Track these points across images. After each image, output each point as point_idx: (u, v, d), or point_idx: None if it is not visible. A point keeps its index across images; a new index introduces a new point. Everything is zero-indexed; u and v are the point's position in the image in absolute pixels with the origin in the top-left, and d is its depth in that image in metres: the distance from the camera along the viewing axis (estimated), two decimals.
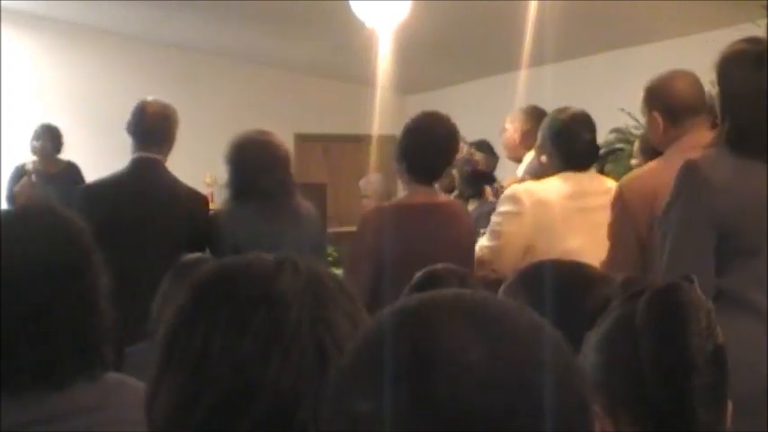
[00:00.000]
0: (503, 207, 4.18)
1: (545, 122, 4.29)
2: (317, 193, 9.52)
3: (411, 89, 11.22)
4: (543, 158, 4.27)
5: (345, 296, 1.25)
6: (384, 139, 9.87)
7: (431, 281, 2.49)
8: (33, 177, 8.06)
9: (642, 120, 6.26)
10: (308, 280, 1.23)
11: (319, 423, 0.89)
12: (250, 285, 1.22)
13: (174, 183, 4.57)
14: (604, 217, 3.82)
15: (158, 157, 4.57)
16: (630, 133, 6.76)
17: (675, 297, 1.49)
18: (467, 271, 2.59)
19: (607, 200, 3.93)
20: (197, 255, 3.44)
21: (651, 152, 5.49)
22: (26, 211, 1.99)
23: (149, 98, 4.75)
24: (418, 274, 2.58)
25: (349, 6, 7.20)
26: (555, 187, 4.12)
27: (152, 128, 4.57)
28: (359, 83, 10.06)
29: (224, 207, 4.34)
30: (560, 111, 4.27)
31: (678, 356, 1.46)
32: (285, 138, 11.99)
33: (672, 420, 1.46)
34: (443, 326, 0.86)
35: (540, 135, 4.30)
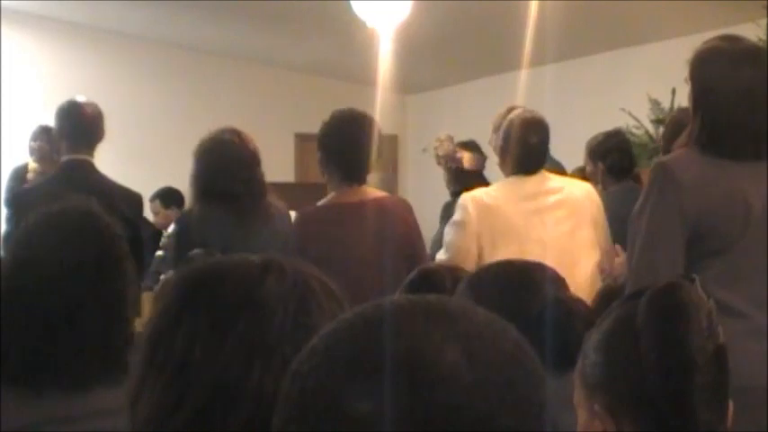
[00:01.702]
0: (453, 217, 4.20)
1: (501, 127, 4.33)
2: (318, 192, 9.50)
3: (411, 89, 11.22)
4: (498, 162, 4.33)
5: (332, 299, 1.23)
6: (384, 139, 9.85)
7: (425, 279, 2.49)
8: (38, 168, 8.06)
9: (643, 120, 6.25)
10: (294, 284, 1.22)
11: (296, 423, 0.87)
12: (234, 288, 1.21)
13: (109, 184, 4.53)
14: (557, 215, 3.89)
15: (89, 158, 4.53)
16: (631, 133, 6.76)
17: (676, 297, 1.49)
18: (460, 269, 2.59)
19: (559, 198, 3.97)
20: (200, 252, 3.43)
21: (597, 157, 5.51)
22: (64, 213, 1.99)
23: (79, 98, 4.70)
24: (412, 273, 2.58)
25: (350, 6, 7.20)
26: (503, 192, 4.14)
27: (90, 129, 4.54)
28: (359, 82, 10.05)
29: (192, 207, 4.28)
30: (514, 114, 4.28)
31: (679, 356, 1.46)
32: (285, 137, 12.01)
33: (672, 420, 1.46)
34: (418, 330, 0.85)
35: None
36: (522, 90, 7.19)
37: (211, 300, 1.20)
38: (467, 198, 4.17)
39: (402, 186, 10.94)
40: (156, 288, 3.10)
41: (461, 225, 4.10)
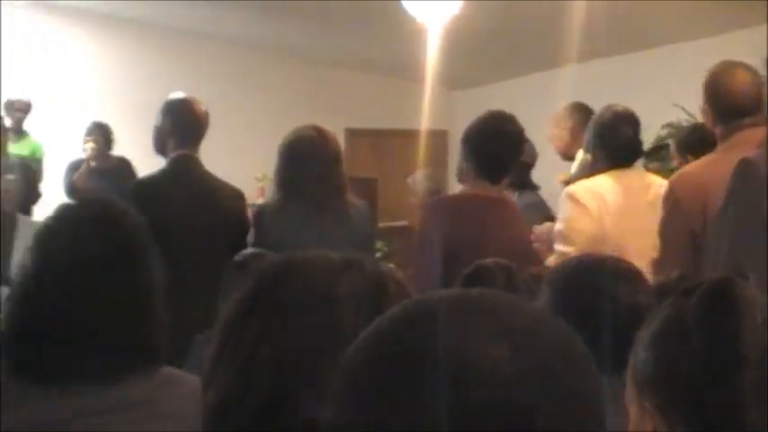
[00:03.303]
0: (567, 209, 4.12)
1: (590, 121, 4.29)
2: (368, 187, 9.53)
3: (461, 85, 11.19)
4: (588, 157, 4.27)
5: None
6: (433, 135, 9.85)
7: (479, 275, 2.49)
8: (92, 163, 8.18)
9: (696, 114, 6.20)
10: (370, 283, 1.22)
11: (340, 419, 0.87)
12: (310, 283, 1.21)
13: (215, 180, 4.57)
14: (651, 214, 3.81)
15: (195, 154, 4.56)
16: (683, 128, 6.71)
17: (729, 293, 1.48)
18: (514, 266, 2.59)
19: (652, 196, 3.90)
20: (257, 250, 3.45)
21: (686, 150, 5.47)
22: (84, 206, 2.01)
23: (182, 94, 4.72)
24: (467, 269, 2.58)
25: (399, 2, 7.20)
26: (605, 185, 4.10)
27: (199, 125, 4.56)
28: (409, 79, 10.05)
29: (270, 203, 4.31)
30: (604, 108, 4.26)
31: (731, 353, 1.45)
32: (336, 133, 12.00)
33: (722, 418, 1.45)
34: (464, 326, 0.85)
35: (585, 134, 4.30)
36: (571, 86, 7.15)
37: (286, 293, 1.20)
38: (577, 190, 4.12)
39: (452, 182, 10.92)
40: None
41: (582, 214, 4.04)
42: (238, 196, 4.61)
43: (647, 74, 8.65)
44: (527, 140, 6.41)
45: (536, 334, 0.86)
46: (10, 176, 8.08)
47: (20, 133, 8.81)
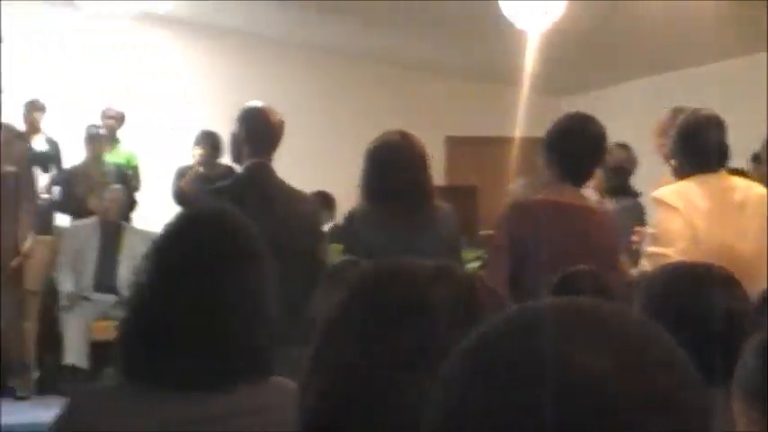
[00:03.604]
0: (657, 212, 4.12)
1: (676, 126, 4.24)
2: (468, 195, 9.52)
3: (562, 91, 11.10)
4: (673, 162, 4.21)
5: (499, 311, 1.22)
6: (535, 142, 9.78)
7: (569, 283, 2.47)
8: (200, 170, 8.32)
9: None
10: (463, 291, 1.21)
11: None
12: (404, 291, 1.21)
13: (289, 188, 4.59)
14: (741, 216, 3.80)
15: (269, 162, 4.59)
16: None
17: None
18: (606, 274, 2.55)
19: (740, 199, 3.87)
20: (351, 257, 3.47)
21: None
22: (201, 214, 2.04)
23: (258, 103, 4.76)
24: (557, 276, 2.55)
25: (499, 8, 7.17)
26: (692, 189, 4.06)
27: (273, 134, 4.59)
28: (509, 85, 10.01)
29: (357, 209, 4.32)
30: (690, 113, 4.20)
31: None
32: (436, 141, 12.03)
33: None
34: (569, 337, 0.84)
35: (670, 140, 4.25)
36: (679, 91, 7.04)
37: (381, 300, 1.21)
38: (666, 193, 4.08)
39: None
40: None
41: (673, 217, 4.00)
42: (311, 203, 4.63)
43: (758, 78, 8.45)
44: (627, 146, 6.35)
45: (640, 346, 0.85)
46: (115, 186, 8.28)
47: (113, 141, 8.98)
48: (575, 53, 9.14)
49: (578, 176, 4.01)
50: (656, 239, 4.04)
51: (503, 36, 7.86)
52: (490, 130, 11.06)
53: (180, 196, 8.20)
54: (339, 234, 5.01)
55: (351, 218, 4.32)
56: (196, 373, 1.82)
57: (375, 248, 3.82)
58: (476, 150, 11.43)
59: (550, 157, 4.02)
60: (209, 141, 8.50)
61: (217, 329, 1.84)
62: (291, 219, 4.40)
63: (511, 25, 7.29)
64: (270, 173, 4.55)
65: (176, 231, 1.96)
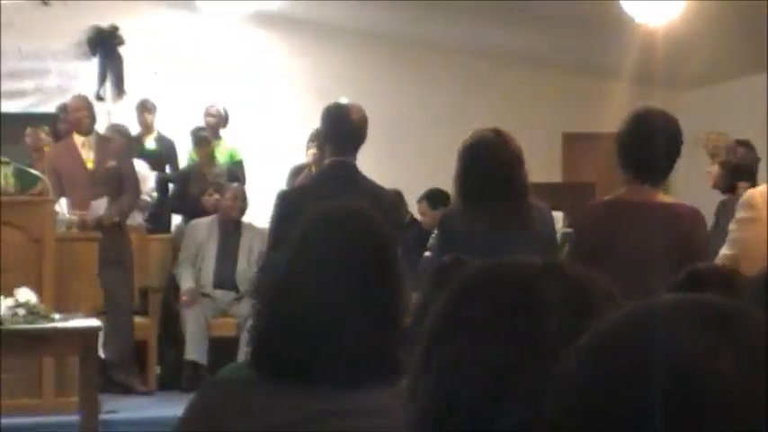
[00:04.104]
0: (739, 213, 4.05)
1: None
2: (586, 192, 9.42)
3: (682, 86, 10.89)
4: None
5: (612, 305, 1.20)
6: None
7: (692, 281, 2.40)
8: (314, 169, 8.39)
9: None
10: (573, 287, 1.20)
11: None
12: (514, 289, 1.20)
13: (371, 185, 4.59)
14: None
15: (353, 160, 4.58)
16: None
17: None
18: (733, 271, 2.47)
19: None
20: (457, 256, 3.44)
21: None
22: (339, 213, 2.05)
23: (344, 100, 4.76)
24: (680, 275, 2.49)
25: (619, 3, 7.06)
26: None
27: (354, 131, 4.58)
28: (628, 80, 9.85)
29: (453, 207, 4.30)
30: None
31: None
32: (553, 137, 11.93)
33: None
34: (687, 330, 0.84)
35: None
36: None
37: (490, 299, 1.20)
38: (755, 194, 3.99)
39: (672, 184, 10.63)
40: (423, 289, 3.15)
41: (751, 221, 3.95)
42: (393, 200, 4.62)
43: None
44: (748, 143, 6.18)
45: (763, 345, 0.84)
46: (234, 184, 8.40)
47: (215, 138, 9.10)
48: (692, 47, 8.96)
49: (652, 174, 3.91)
50: (728, 241, 4.01)
51: (620, 30, 7.74)
52: (608, 125, 10.91)
53: None
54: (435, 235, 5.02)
55: (446, 216, 4.31)
56: (328, 370, 1.83)
57: (471, 248, 3.79)
58: (593, 146, 11.29)
59: (622, 155, 3.94)
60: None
61: (351, 328, 1.85)
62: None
63: (630, 20, 7.18)
64: (350, 170, 4.55)
65: (315, 229, 1.98)
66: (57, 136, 8.57)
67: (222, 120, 9.29)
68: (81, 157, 7.40)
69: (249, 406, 1.83)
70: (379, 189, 4.62)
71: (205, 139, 8.77)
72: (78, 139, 7.47)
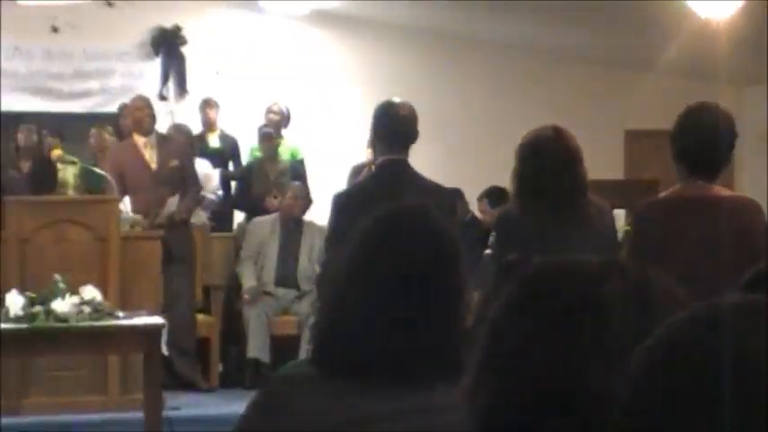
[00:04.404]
0: None
1: None
2: (650, 189, 9.33)
3: (748, 81, 10.75)
4: None
5: (675, 303, 1.19)
6: None
7: (760, 280, 2.36)
8: (372, 168, 8.39)
9: None
10: (636, 286, 1.19)
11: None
12: (576, 289, 1.20)
13: (424, 182, 4.57)
14: None
15: (404, 158, 4.56)
16: None
17: None
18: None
19: None
20: (520, 255, 3.42)
21: None
22: (402, 212, 2.05)
23: (395, 99, 4.74)
24: (749, 273, 2.45)
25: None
26: None
27: (403, 130, 4.57)
28: (692, 77, 9.75)
29: (510, 206, 4.28)
30: None
31: None
32: (615, 135, 11.84)
33: None
34: (753, 331, 0.84)
35: None
36: None
37: (552, 299, 1.19)
38: None
39: (738, 181, 10.50)
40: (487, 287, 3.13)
41: None
42: (449, 196, 4.61)
43: None
44: None
45: None
46: (296, 183, 8.44)
47: (278, 136, 9.15)
48: (756, 42, 8.83)
49: (707, 168, 3.89)
50: None
51: (685, 27, 7.65)
52: (671, 122, 10.81)
53: None
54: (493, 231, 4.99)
55: (504, 214, 4.29)
56: (388, 368, 1.83)
57: (529, 247, 3.76)
58: (657, 144, 11.19)
59: (677, 150, 3.92)
60: None
61: (411, 327, 1.85)
62: None
63: (693, 15, 7.09)
64: (402, 168, 4.54)
65: (375, 228, 1.98)
66: (120, 136, 8.69)
67: (284, 118, 9.32)
68: (143, 156, 7.48)
69: (309, 404, 1.84)
70: (436, 187, 4.61)
71: (269, 134, 8.83)
72: (139, 139, 7.55)
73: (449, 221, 2.01)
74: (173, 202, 7.35)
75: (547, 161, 4.06)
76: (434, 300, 1.87)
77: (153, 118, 7.63)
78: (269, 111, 9.30)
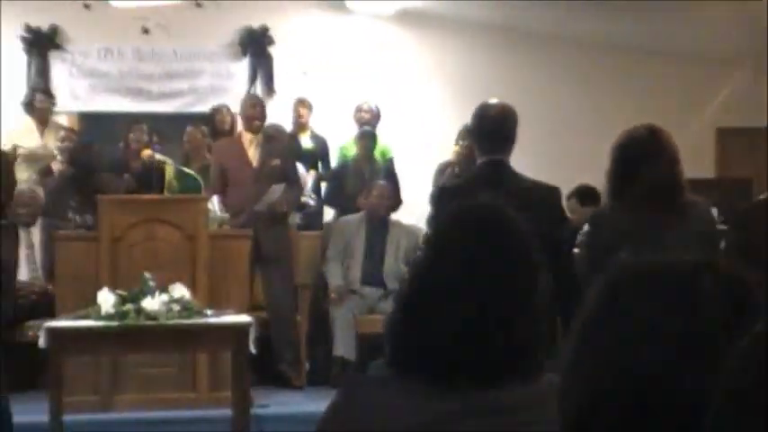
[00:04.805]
0: None
1: None
2: (742, 188, 9.16)
3: None
4: None
5: None
6: None
7: None
8: (456, 169, 8.38)
9: None
10: (729, 286, 1.17)
11: None
12: (669, 287, 1.18)
13: (524, 182, 4.53)
14: None
15: (504, 158, 4.53)
16: None
17: None
18: None
19: None
20: (628, 257, 3.39)
21: None
22: (471, 209, 2.05)
23: (492, 100, 4.72)
24: None
25: None
26: None
27: (500, 130, 4.53)
28: None
29: (605, 205, 4.25)
30: None
31: None
32: (707, 132, 11.65)
33: None
34: None
35: None
36: None
37: (644, 298, 1.18)
38: None
39: None
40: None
41: None
42: (551, 195, 4.58)
43: None
44: None
45: None
46: (381, 182, 8.45)
47: None
48: None
49: None
50: None
51: None
52: (762, 119, 10.62)
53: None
54: (584, 233, 4.93)
55: (598, 213, 4.24)
56: (465, 369, 1.82)
57: (625, 244, 3.71)
58: (749, 141, 11.02)
59: None
60: (470, 137, 8.53)
61: (493, 326, 1.84)
62: (528, 210, 4.34)
63: None
64: (500, 169, 4.50)
65: (443, 228, 2.00)
66: (213, 135, 8.80)
67: (375, 117, 9.34)
68: (247, 153, 7.59)
69: (386, 406, 1.84)
70: (530, 187, 4.55)
71: (371, 132, 8.88)
72: (247, 136, 7.68)
73: (521, 220, 1.99)
74: (276, 189, 7.40)
75: (643, 161, 4.01)
76: (510, 299, 1.86)
77: (264, 117, 7.75)
78: (359, 110, 9.32)
